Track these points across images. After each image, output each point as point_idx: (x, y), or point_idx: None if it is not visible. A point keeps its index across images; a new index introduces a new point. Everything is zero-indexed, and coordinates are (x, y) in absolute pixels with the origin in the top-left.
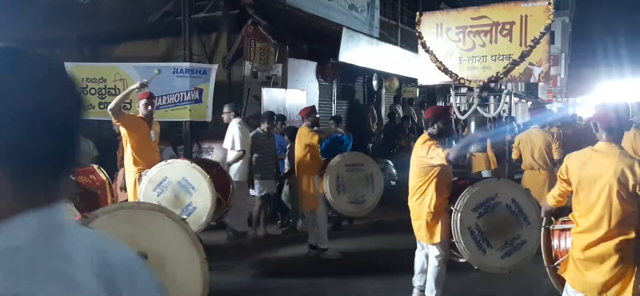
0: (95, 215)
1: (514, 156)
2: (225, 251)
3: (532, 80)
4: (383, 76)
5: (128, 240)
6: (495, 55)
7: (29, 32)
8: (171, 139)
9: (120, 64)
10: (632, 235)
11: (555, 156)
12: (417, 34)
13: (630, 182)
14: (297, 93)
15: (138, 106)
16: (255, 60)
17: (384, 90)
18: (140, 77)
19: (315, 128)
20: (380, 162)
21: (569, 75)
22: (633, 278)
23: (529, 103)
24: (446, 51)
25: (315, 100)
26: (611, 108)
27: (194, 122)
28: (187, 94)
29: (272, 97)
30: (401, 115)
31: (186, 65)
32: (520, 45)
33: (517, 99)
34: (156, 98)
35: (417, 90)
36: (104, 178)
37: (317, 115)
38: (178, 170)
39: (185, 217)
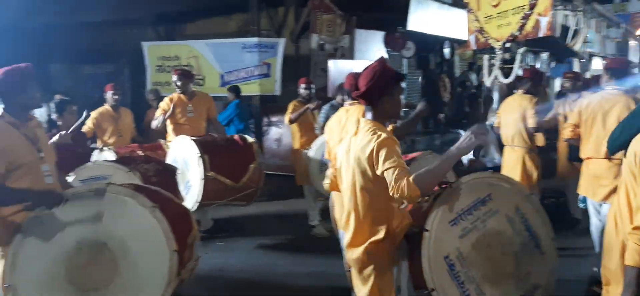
0: (66, 194)
1: (567, 133)
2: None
3: (540, 34)
4: (456, 43)
5: (93, 223)
6: (514, 8)
7: (107, 13)
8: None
9: (192, 41)
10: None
11: (530, 123)
12: None
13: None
14: (364, 65)
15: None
16: (322, 33)
17: (456, 58)
18: (212, 53)
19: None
20: (451, 133)
21: None
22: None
23: None
24: (482, 9)
25: None
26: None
27: (263, 96)
28: (256, 69)
29: (339, 69)
30: (474, 83)
31: (255, 40)
32: None
33: (604, 62)
34: (188, 75)
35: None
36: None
37: (311, 86)
38: (183, 147)
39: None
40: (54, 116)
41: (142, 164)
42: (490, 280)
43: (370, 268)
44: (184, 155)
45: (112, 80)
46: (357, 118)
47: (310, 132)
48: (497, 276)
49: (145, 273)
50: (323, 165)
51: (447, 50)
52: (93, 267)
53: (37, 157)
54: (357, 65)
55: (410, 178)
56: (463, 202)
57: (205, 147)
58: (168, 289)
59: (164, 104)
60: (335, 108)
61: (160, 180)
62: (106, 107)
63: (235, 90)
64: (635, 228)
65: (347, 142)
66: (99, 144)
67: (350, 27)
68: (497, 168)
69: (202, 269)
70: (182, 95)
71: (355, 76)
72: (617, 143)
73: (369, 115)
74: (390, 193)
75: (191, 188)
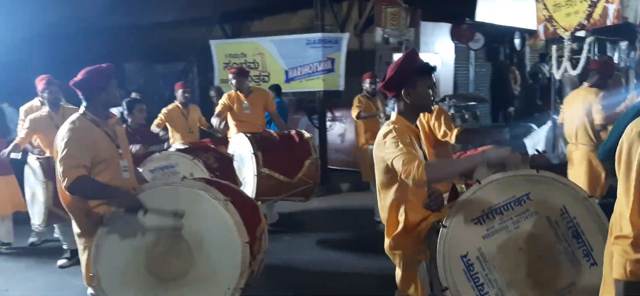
0: (142, 189)
1: None
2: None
3: (608, 23)
4: (527, 33)
5: (173, 218)
6: None
7: (177, 13)
8: (306, 109)
9: (258, 38)
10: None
11: (596, 120)
12: None
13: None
14: (430, 58)
15: (231, 83)
16: (386, 26)
17: (527, 49)
18: (277, 50)
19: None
20: (522, 126)
21: None
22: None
23: None
24: None
25: (450, 64)
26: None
27: (327, 91)
28: (320, 64)
29: None
30: (546, 75)
31: (318, 35)
32: None
33: None
34: (244, 73)
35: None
36: None
37: (372, 80)
38: (239, 144)
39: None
40: (125, 114)
41: (202, 153)
42: (520, 287)
43: (397, 259)
44: (240, 151)
45: (181, 77)
46: None
47: (375, 127)
48: (528, 284)
49: (219, 263)
50: None
51: (517, 41)
52: (170, 258)
53: (116, 152)
54: (423, 58)
55: (422, 164)
56: (491, 200)
57: (259, 143)
58: (241, 280)
59: (222, 102)
60: None
61: (219, 167)
62: (176, 104)
63: (276, 89)
64: (618, 237)
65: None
66: (171, 140)
67: (415, 19)
68: (563, 164)
69: (268, 263)
70: (238, 93)
71: None
72: (607, 147)
73: (395, 107)
74: (399, 177)
75: (246, 185)
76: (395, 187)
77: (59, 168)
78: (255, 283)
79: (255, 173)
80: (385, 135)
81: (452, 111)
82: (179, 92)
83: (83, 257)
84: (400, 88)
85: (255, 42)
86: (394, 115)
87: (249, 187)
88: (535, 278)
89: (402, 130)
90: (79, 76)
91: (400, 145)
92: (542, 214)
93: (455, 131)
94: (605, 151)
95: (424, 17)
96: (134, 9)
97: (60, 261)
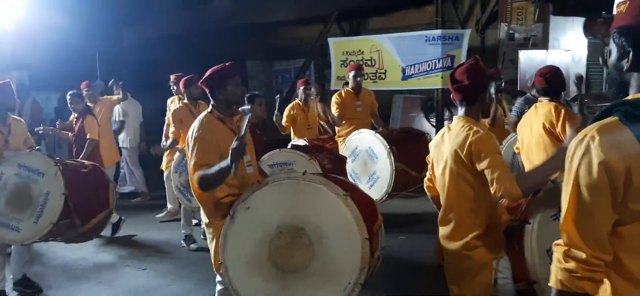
0: (266, 182)
1: None
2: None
3: None
4: None
5: (291, 209)
6: None
7: (296, 12)
8: (423, 107)
9: (376, 35)
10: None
11: None
12: None
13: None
14: (560, 54)
15: (347, 78)
16: (511, 21)
17: None
18: (394, 47)
19: None
20: None
21: None
22: None
23: None
24: None
25: (582, 61)
26: None
27: (446, 90)
28: (438, 62)
29: (530, 60)
30: None
31: (438, 32)
32: None
33: None
34: (363, 69)
35: None
36: None
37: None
38: (366, 139)
39: (368, 186)
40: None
41: (318, 153)
42: None
43: (470, 262)
44: (366, 147)
45: (299, 75)
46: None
47: (498, 129)
48: None
49: (339, 258)
50: (514, 164)
51: None
52: (292, 250)
53: None
54: (551, 55)
55: (513, 178)
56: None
57: (389, 139)
58: (361, 276)
59: (337, 100)
60: (529, 103)
61: (333, 168)
62: (297, 101)
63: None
64: (556, 244)
65: (439, 139)
66: (292, 137)
67: (544, 13)
68: None
69: (383, 262)
70: (352, 91)
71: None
72: None
73: (462, 111)
74: (492, 192)
75: (378, 180)
76: (479, 190)
77: (190, 165)
78: (372, 281)
79: (393, 169)
80: (477, 142)
81: (584, 112)
82: (301, 89)
83: (212, 245)
84: (482, 91)
85: (372, 39)
86: (464, 119)
87: (383, 183)
88: None
89: (490, 137)
90: (206, 75)
91: (493, 155)
92: None
93: None
94: None
95: (554, 11)
96: (256, 9)
97: (192, 246)
